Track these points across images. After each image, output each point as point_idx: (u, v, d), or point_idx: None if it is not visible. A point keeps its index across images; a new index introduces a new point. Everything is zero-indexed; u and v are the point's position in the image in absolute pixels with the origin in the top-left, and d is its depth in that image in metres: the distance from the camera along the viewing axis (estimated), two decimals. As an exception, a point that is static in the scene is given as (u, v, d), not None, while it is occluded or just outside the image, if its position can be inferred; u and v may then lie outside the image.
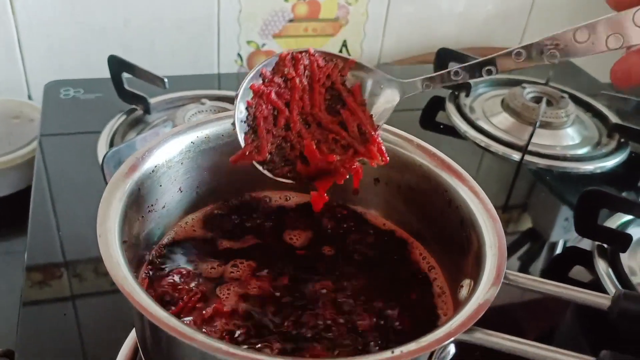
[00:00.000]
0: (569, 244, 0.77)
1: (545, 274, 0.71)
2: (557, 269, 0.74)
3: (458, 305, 0.41)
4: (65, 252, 0.66)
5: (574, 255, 0.76)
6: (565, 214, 0.82)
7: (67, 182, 0.76)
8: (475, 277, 0.39)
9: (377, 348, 0.39)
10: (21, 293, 0.60)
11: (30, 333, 0.56)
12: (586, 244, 0.74)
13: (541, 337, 0.65)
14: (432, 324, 0.42)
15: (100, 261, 0.63)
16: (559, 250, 0.77)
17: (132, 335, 0.55)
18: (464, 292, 0.40)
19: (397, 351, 0.32)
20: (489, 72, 0.40)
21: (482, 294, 0.36)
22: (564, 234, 0.79)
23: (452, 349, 0.35)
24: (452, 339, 0.33)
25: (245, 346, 0.39)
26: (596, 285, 0.67)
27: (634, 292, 0.35)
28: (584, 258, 0.73)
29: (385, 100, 0.47)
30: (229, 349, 0.31)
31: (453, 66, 0.42)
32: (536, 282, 0.37)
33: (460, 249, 0.44)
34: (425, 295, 0.45)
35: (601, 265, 0.68)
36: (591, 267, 0.70)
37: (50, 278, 0.63)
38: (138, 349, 0.54)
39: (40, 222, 0.69)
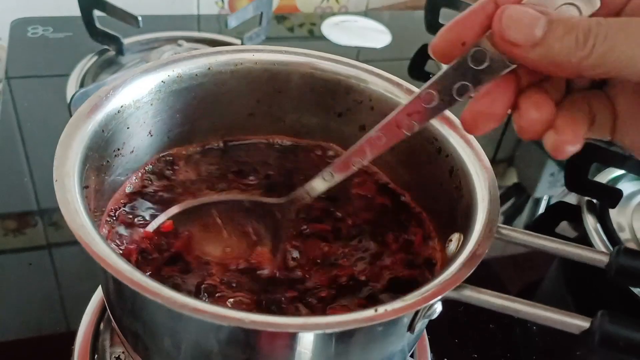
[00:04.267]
0: (555, 199, 0.75)
1: (532, 229, 0.69)
2: (544, 224, 0.72)
3: (446, 260, 0.39)
4: (39, 199, 0.63)
5: (560, 210, 0.74)
6: (552, 168, 0.80)
7: (37, 125, 0.72)
8: (465, 231, 0.36)
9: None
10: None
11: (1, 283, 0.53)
12: (572, 198, 0.73)
13: (528, 294, 0.63)
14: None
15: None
16: (545, 204, 0.75)
17: (100, 290, 0.52)
18: (452, 246, 0.38)
19: (381, 309, 0.29)
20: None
21: (472, 249, 0.33)
22: (550, 188, 0.77)
23: (438, 307, 0.33)
24: (439, 297, 0.31)
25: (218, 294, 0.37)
26: (584, 240, 0.66)
27: (633, 248, 0.32)
28: (571, 213, 0.72)
29: None
30: (196, 306, 0.28)
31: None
32: (530, 237, 0.35)
33: (449, 200, 0.41)
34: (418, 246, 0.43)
35: (590, 221, 0.67)
36: (578, 223, 0.68)
37: (24, 226, 0.60)
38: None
39: (8, 167, 0.66)
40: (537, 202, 0.76)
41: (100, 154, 0.39)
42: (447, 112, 0.43)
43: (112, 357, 0.48)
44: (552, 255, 0.36)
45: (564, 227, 0.72)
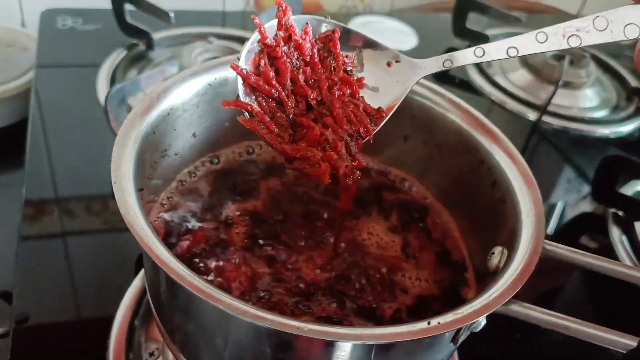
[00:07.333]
0: (570, 206, 0.75)
1: (555, 239, 0.70)
2: (567, 235, 0.72)
3: (483, 273, 0.39)
4: (57, 189, 0.63)
5: (582, 221, 0.74)
6: (569, 175, 0.80)
7: (64, 117, 0.73)
8: (509, 246, 0.37)
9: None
10: (19, 227, 0.58)
11: (28, 272, 0.54)
12: (586, 206, 0.74)
13: (545, 305, 0.64)
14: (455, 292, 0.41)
15: (93, 199, 0.63)
16: (561, 211, 0.75)
17: (135, 284, 0.53)
18: (494, 260, 0.38)
19: (434, 322, 0.30)
20: (513, 52, 0.37)
21: (520, 264, 0.34)
22: (566, 195, 0.77)
23: (483, 320, 0.34)
24: (489, 312, 0.31)
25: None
26: (609, 252, 0.66)
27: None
28: (594, 224, 0.72)
29: (398, 81, 0.41)
30: (256, 312, 0.28)
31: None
32: (576, 255, 0.35)
33: (489, 213, 0.41)
34: (447, 260, 0.43)
35: (615, 233, 0.67)
36: (598, 233, 0.69)
37: (47, 214, 0.60)
38: (141, 296, 0.52)
39: (37, 156, 0.66)
40: (552, 208, 0.76)
41: (150, 155, 0.39)
42: (491, 125, 0.44)
43: (147, 353, 0.48)
44: (594, 272, 0.36)
45: (586, 238, 0.73)
